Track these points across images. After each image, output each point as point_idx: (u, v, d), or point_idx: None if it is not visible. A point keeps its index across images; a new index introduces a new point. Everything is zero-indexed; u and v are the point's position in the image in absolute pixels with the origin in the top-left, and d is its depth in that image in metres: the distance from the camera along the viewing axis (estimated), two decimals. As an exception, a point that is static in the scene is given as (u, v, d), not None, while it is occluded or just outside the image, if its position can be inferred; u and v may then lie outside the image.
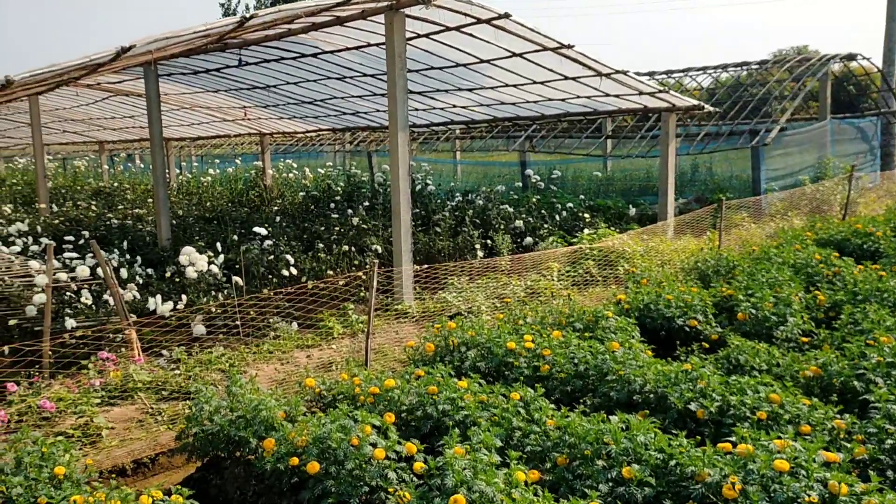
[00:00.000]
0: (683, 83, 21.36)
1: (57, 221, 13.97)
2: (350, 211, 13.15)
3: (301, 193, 17.33)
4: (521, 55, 10.23)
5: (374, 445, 4.12)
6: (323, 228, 11.52)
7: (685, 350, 6.17)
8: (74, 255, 8.07)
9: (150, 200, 16.89)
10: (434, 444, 4.52)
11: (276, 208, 15.66)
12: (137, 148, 27.34)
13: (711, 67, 20.88)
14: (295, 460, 4.21)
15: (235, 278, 8.49)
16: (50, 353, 6.63)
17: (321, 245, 10.25)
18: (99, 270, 7.08)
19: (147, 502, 3.49)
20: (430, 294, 9.13)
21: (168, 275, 9.80)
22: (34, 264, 7.85)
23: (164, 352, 7.37)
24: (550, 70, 10.78)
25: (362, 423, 4.24)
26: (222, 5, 45.94)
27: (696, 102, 12.51)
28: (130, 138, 23.73)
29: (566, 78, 11.08)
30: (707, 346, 6.34)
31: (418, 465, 3.95)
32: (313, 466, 4.04)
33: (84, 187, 22.08)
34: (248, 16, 6.51)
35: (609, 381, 5.09)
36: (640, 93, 11.64)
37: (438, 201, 13.88)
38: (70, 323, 6.78)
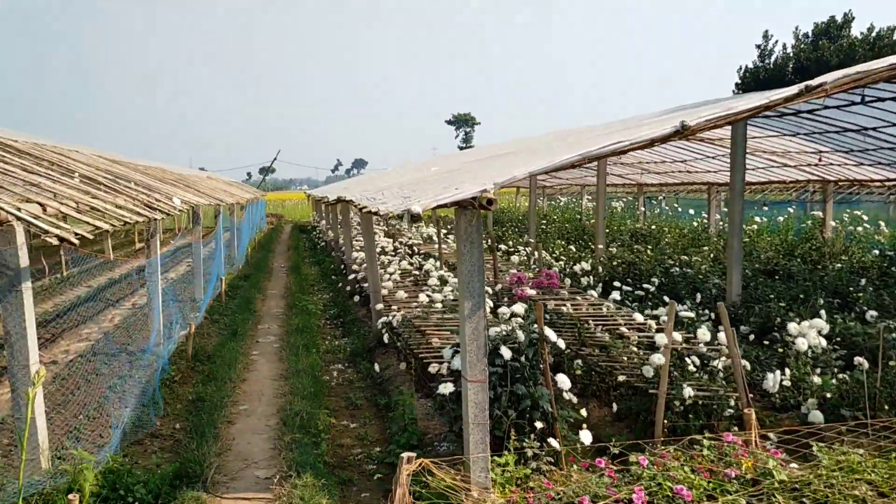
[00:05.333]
0: None
1: (615, 263, 14.18)
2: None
3: (875, 251, 14.73)
4: None
5: None
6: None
7: None
8: (683, 309, 7.52)
9: (704, 248, 16.21)
10: None
11: (838, 265, 13.53)
12: (671, 191, 27.24)
13: None
14: None
15: (857, 359, 6.96)
16: (664, 421, 6.09)
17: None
18: (721, 335, 6.35)
19: None
20: None
21: (752, 337, 8.78)
22: (638, 317, 7.55)
23: (771, 435, 6.26)
24: None
25: None
26: (758, 46, 44.33)
27: None
28: (671, 182, 23.69)
29: None
30: None
31: None
32: None
33: (620, 228, 22.63)
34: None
35: None
36: None
37: None
38: (688, 391, 6.12)
